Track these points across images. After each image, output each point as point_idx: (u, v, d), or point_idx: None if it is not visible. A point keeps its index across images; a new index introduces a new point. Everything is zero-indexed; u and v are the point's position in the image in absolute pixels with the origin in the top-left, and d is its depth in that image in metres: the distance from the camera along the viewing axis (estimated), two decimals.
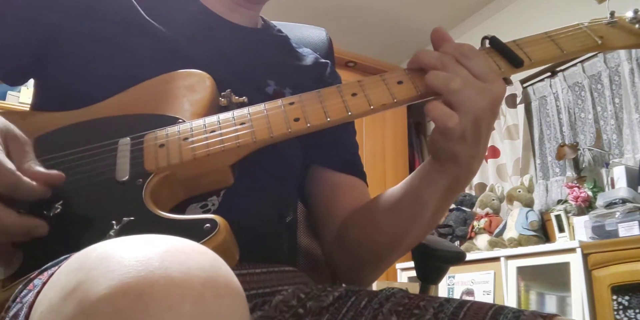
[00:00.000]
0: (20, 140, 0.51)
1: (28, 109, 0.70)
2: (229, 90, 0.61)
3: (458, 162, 0.58)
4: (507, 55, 0.58)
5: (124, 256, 0.29)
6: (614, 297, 1.88)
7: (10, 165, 0.47)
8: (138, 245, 0.31)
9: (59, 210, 0.51)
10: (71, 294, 0.29)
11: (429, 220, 0.65)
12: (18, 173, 0.47)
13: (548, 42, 0.60)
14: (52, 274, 0.35)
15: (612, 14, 0.62)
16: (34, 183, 0.48)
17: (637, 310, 1.83)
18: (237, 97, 0.60)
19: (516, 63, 0.58)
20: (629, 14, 0.62)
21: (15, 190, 0.47)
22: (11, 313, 0.39)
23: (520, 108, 2.96)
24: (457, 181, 0.61)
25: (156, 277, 0.28)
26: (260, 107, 0.56)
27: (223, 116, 0.55)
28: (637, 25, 0.62)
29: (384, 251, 0.70)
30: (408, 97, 0.56)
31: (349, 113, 0.55)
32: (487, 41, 0.60)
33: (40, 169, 0.50)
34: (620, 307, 1.86)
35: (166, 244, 0.31)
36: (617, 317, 1.85)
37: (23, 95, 2.66)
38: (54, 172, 0.50)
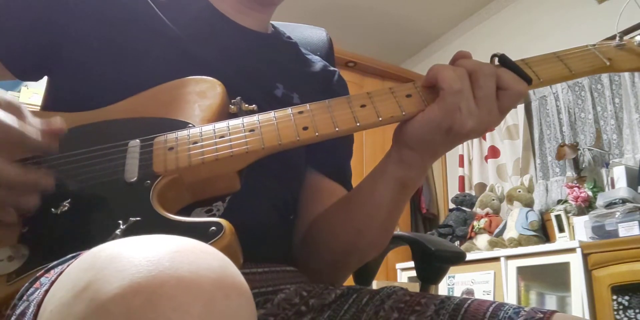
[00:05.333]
0: (15, 103, 0.52)
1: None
2: (239, 97, 0.61)
3: (428, 152, 0.60)
4: (516, 73, 0.59)
5: (135, 256, 0.29)
6: (614, 297, 1.88)
7: (11, 118, 0.49)
8: (148, 245, 0.31)
9: (66, 208, 0.51)
10: (82, 293, 0.29)
11: (383, 222, 0.66)
12: (22, 123, 0.49)
13: (557, 62, 0.61)
14: (60, 272, 0.36)
15: (620, 37, 0.63)
16: (39, 133, 0.50)
17: (637, 310, 1.83)
18: (247, 105, 0.61)
19: (525, 81, 0.59)
20: (638, 38, 0.63)
21: (23, 141, 0.49)
22: (18, 311, 0.39)
23: (520, 108, 2.97)
24: (410, 179, 0.62)
25: (167, 277, 0.28)
26: (269, 115, 0.57)
27: (232, 122, 0.56)
28: None
29: (340, 255, 0.70)
30: (417, 111, 0.57)
31: (358, 124, 0.56)
32: (496, 59, 0.61)
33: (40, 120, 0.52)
34: (620, 307, 1.87)
35: (176, 244, 0.31)
36: (617, 317, 1.86)
37: (23, 95, 2.65)
38: (53, 118, 0.53)
